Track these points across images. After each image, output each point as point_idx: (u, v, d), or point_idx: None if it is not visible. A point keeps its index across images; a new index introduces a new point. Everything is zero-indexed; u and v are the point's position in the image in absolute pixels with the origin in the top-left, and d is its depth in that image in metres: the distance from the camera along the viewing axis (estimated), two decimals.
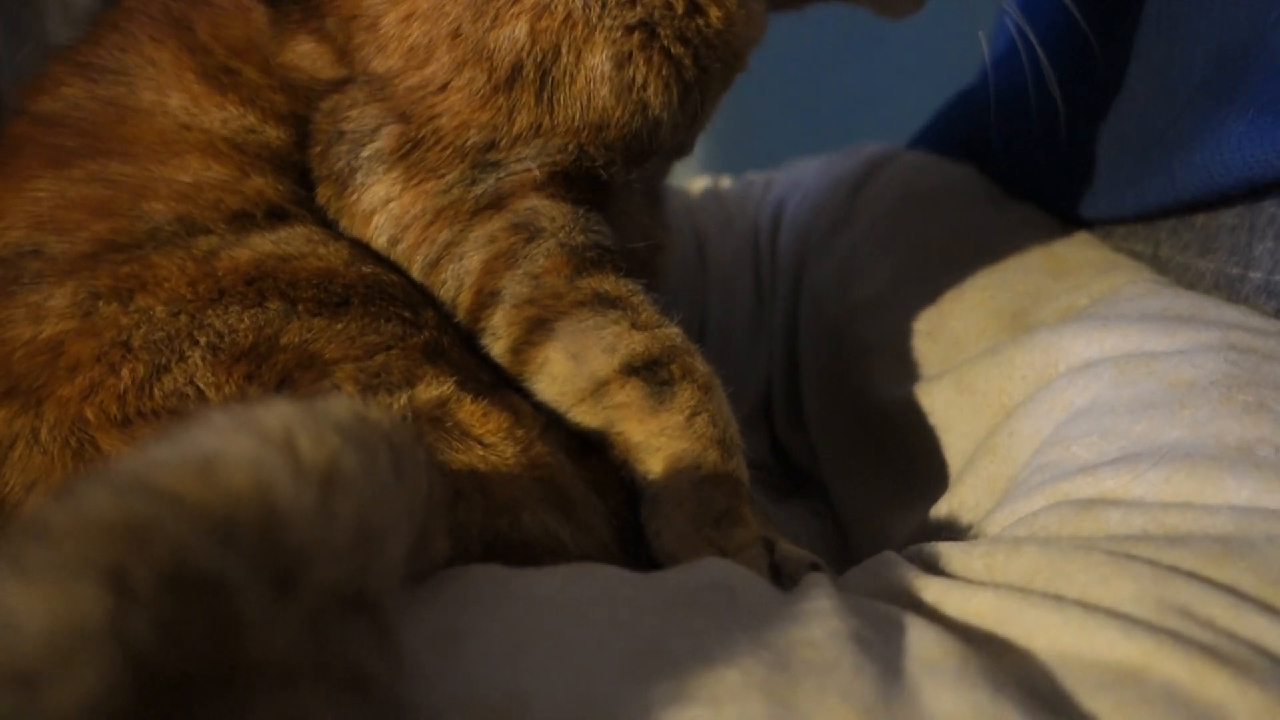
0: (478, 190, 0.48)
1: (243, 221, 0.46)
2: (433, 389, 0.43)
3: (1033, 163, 0.73)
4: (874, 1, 0.61)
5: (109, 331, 0.42)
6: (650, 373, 0.46)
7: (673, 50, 0.48)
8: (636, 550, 0.47)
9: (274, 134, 0.49)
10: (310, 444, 0.27)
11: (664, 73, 0.48)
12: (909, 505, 0.59)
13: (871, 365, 0.67)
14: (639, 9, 0.47)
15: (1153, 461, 0.42)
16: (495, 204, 0.48)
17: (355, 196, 0.48)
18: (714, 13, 0.49)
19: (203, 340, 0.42)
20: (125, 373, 0.41)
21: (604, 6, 0.46)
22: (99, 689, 0.20)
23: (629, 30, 0.47)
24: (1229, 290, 0.56)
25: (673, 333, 0.48)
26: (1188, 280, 0.60)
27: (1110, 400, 0.47)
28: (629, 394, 0.46)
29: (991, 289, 0.64)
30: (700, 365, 0.48)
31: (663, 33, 0.48)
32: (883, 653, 0.32)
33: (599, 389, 0.47)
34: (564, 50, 0.46)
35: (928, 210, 0.75)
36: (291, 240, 0.46)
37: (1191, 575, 0.35)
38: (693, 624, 0.33)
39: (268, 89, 0.49)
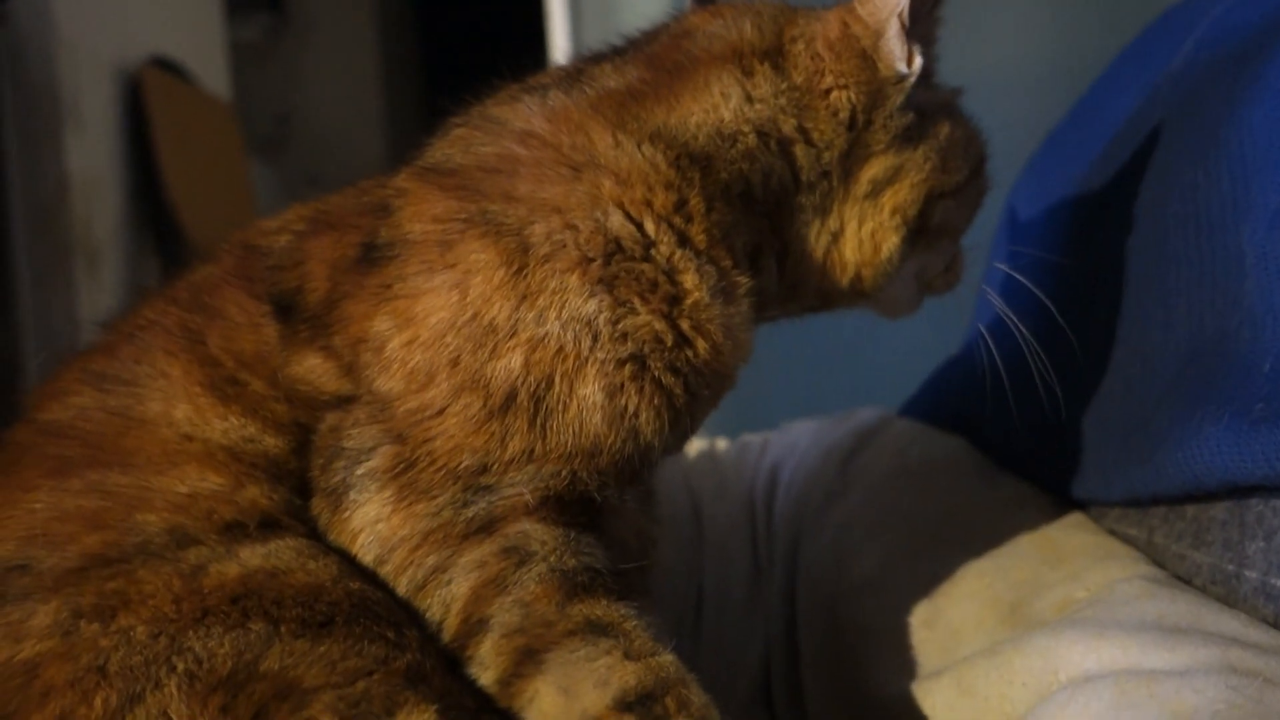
0: (469, 513, 0.48)
1: (235, 533, 0.47)
2: (413, 718, 0.42)
3: (1022, 441, 0.74)
4: (876, 305, 0.64)
5: (86, 655, 0.42)
6: (644, 708, 0.44)
7: (663, 380, 0.50)
8: None
9: (272, 443, 0.50)
10: None
11: (655, 401, 0.49)
12: None
13: (869, 652, 0.65)
14: (629, 344, 0.49)
15: None
16: (486, 528, 0.48)
17: (347, 514, 0.48)
18: (701, 345, 0.51)
19: (180, 666, 0.42)
20: (98, 702, 0.41)
21: (595, 341, 0.48)
22: None
23: (620, 363, 0.48)
24: (1225, 588, 0.55)
25: (666, 661, 0.47)
26: (1184, 571, 0.59)
27: None
28: None
29: (987, 576, 0.63)
30: (695, 697, 0.46)
31: (653, 365, 0.49)
32: None
33: None
34: (557, 380, 0.48)
35: (919, 485, 0.75)
36: (281, 553, 0.46)
37: None
38: None
39: (271, 399, 0.51)
